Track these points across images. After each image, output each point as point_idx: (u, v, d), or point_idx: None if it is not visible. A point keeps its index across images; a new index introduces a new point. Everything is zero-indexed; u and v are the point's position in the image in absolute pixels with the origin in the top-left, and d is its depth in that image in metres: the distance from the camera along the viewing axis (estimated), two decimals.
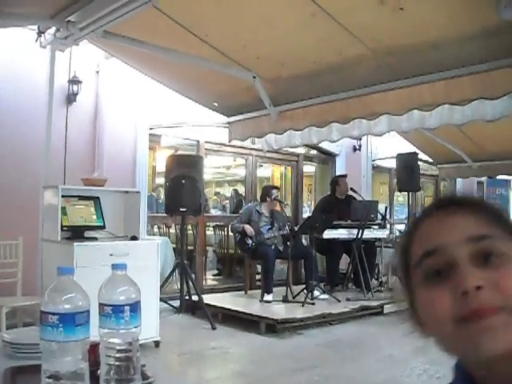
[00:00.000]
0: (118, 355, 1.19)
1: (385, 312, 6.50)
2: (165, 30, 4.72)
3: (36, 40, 4.79)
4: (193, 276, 6.23)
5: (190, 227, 7.73)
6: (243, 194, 10.71)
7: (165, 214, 6.44)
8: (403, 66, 4.72)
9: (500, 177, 10.81)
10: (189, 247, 7.26)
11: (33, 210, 5.04)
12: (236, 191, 12.03)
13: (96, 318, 1.21)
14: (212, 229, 9.19)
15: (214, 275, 9.15)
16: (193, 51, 5.05)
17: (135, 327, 1.22)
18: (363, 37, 4.44)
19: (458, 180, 12.23)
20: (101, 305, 1.20)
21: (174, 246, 7.75)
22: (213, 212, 11.41)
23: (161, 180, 9.86)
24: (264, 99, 5.81)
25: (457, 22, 4.05)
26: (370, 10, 4.03)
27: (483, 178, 12.00)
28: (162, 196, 9.78)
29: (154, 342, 4.82)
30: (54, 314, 1.10)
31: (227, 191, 13.70)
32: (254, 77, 5.46)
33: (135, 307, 1.21)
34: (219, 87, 6.00)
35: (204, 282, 7.92)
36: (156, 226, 8.58)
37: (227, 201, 12.42)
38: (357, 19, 4.22)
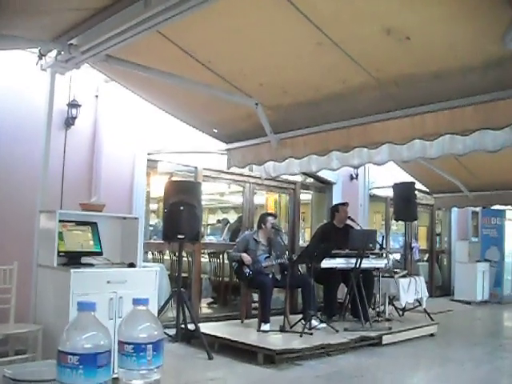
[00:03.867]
0: None
1: (383, 343, 6.41)
2: (167, 55, 4.70)
3: (37, 63, 4.75)
4: (189, 304, 6.10)
5: (184, 254, 7.62)
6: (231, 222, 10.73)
7: (159, 241, 6.34)
8: (406, 95, 4.71)
9: (495, 207, 10.81)
10: (183, 274, 7.14)
11: (28, 234, 4.93)
12: (225, 219, 11.95)
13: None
14: (207, 256, 9.08)
15: (209, 303, 9.01)
16: (195, 77, 5.02)
17: (157, 367, 1.14)
18: (368, 66, 4.43)
19: (453, 209, 12.25)
20: (121, 343, 1.12)
21: (169, 272, 7.64)
22: (207, 239, 11.29)
23: (154, 206, 9.79)
24: (265, 126, 5.78)
25: (460, 53, 4.05)
26: (376, 40, 4.02)
27: (478, 208, 12.03)
28: (155, 222, 9.71)
29: None
30: (73, 354, 1.02)
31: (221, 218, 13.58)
32: (257, 104, 5.43)
33: (158, 346, 1.14)
34: (219, 114, 5.98)
35: (199, 310, 7.78)
36: (150, 253, 8.48)
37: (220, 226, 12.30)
38: (362, 48, 4.21)
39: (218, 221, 12.95)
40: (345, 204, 7.90)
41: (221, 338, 5.95)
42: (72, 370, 1.02)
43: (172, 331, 6.09)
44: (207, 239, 11.32)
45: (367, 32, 3.98)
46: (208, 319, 7.33)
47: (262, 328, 6.33)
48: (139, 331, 1.13)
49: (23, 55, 5.30)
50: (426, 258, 12.52)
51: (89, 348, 1.03)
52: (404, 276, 7.71)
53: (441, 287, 12.63)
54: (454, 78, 4.30)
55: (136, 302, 1.17)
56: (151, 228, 9.27)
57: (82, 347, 1.03)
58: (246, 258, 6.67)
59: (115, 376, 1.15)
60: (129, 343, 1.11)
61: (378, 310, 7.59)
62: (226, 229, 10.84)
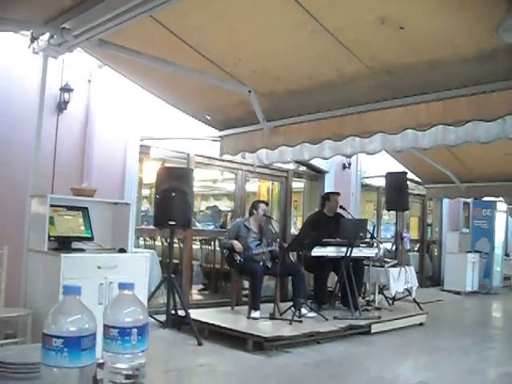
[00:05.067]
0: (124, 381, 1.11)
1: (372, 331, 6.45)
2: (161, 40, 4.67)
3: (29, 46, 4.71)
4: (180, 290, 6.12)
5: (175, 240, 7.62)
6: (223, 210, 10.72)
7: (151, 227, 6.34)
8: (400, 84, 4.71)
9: (486, 198, 10.86)
10: (175, 261, 7.15)
11: (18, 218, 4.93)
12: (216, 207, 11.97)
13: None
14: (198, 243, 9.09)
15: (200, 290, 9.02)
16: (188, 63, 4.99)
17: (142, 351, 1.14)
18: (361, 55, 4.42)
19: (445, 200, 12.30)
20: (106, 326, 1.12)
21: (160, 259, 7.64)
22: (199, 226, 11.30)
23: (146, 192, 9.78)
24: (258, 114, 5.76)
25: (455, 44, 4.04)
26: (370, 29, 4.01)
27: (469, 199, 12.08)
28: (146, 208, 9.70)
29: None
30: (58, 337, 1.02)
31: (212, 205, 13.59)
32: (250, 91, 5.41)
33: (143, 330, 1.14)
34: (212, 100, 5.96)
35: (190, 296, 7.80)
36: (141, 239, 8.48)
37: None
38: (356, 37, 4.19)
39: (207, 208, 12.96)
40: (336, 193, 7.91)
41: (211, 324, 5.98)
42: (56, 352, 1.02)
43: (162, 317, 6.12)
44: (199, 226, 11.31)
45: (361, 21, 3.97)
46: (198, 306, 7.35)
47: (251, 315, 6.35)
48: (124, 315, 1.13)
49: (15, 38, 5.25)
50: (416, 248, 12.59)
51: (73, 331, 1.03)
52: (394, 265, 7.75)
53: (431, 277, 12.71)
54: (448, 68, 4.30)
55: (122, 286, 1.17)
56: (143, 214, 9.27)
57: (66, 330, 1.03)
58: (237, 245, 6.68)
59: (101, 361, 1.15)
60: (114, 327, 1.11)
61: (367, 298, 7.65)
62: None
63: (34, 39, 4.67)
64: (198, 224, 11.37)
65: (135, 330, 1.12)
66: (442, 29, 3.90)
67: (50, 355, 1.02)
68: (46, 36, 4.56)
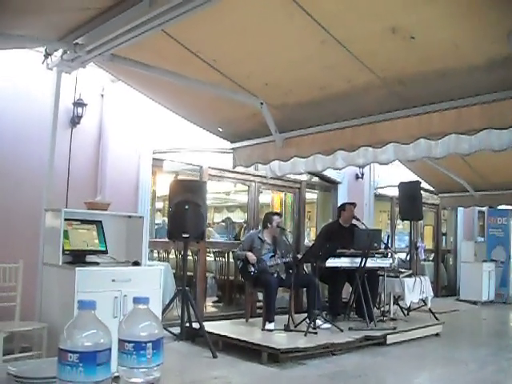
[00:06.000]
0: None
1: (388, 342, 6.40)
2: (172, 54, 4.71)
3: (43, 62, 4.78)
4: (194, 303, 6.12)
5: (189, 253, 7.63)
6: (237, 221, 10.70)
7: (165, 239, 6.35)
8: (412, 94, 4.71)
9: (501, 207, 10.77)
10: (188, 273, 7.16)
11: (33, 232, 4.96)
12: (229, 219, 11.99)
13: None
14: (212, 255, 9.10)
15: (214, 302, 9.02)
16: (200, 76, 5.03)
17: (157, 365, 1.14)
18: (372, 65, 4.42)
19: (459, 209, 12.23)
20: (121, 341, 1.13)
21: (174, 271, 7.65)
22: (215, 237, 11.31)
23: (160, 205, 9.82)
24: (270, 126, 5.78)
25: (465, 52, 4.04)
26: (381, 39, 4.02)
27: (484, 208, 11.99)
28: (161, 220, 9.73)
29: None
30: (73, 352, 1.02)
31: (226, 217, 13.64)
32: (262, 103, 5.43)
33: (158, 344, 1.14)
34: (225, 113, 5.99)
35: (204, 309, 7.80)
36: (155, 251, 8.49)
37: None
38: (367, 47, 4.20)
39: (223, 220, 13.00)
40: (352, 204, 7.88)
41: (225, 336, 5.96)
42: (72, 367, 1.02)
43: (177, 330, 6.11)
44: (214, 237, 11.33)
45: (372, 31, 3.98)
46: (213, 318, 7.33)
47: (266, 327, 6.33)
48: (139, 329, 1.14)
49: (29, 54, 5.32)
50: (431, 258, 12.50)
51: (88, 346, 1.04)
52: (409, 276, 7.70)
53: (446, 287, 12.60)
54: (459, 76, 4.30)
55: (136, 300, 1.18)
56: (157, 227, 9.30)
57: (81, 345, 1.04)
58: (251, 256, 6.67)
59: (116, 374, 1.16)
60: (129, 341, 1.12)
61: (382, 309, 7.59)
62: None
63: (47, 55, 4.74)
64: (215, 235, 11.41)
65: (150, 344, 1.13)
66: (451, 38, 3.90)
67: (65, 370, 1.03)
68: (60, 52, 4.62)
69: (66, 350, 1.03)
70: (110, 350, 1.08)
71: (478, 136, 4.74)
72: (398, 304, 7.82)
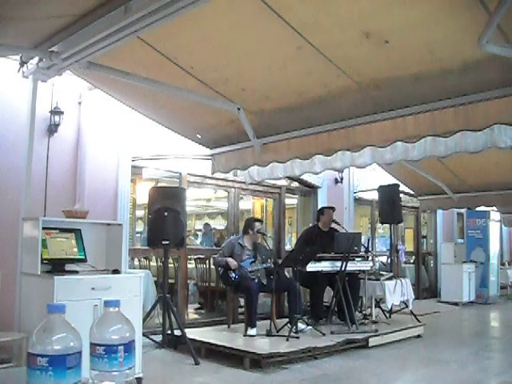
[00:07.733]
0: None
1: (370, 345, 6.43)
2: (150, 61, 4.70)
3: (18, 70, 4.75)
4: (175, 310, 6.10)
5: (170, 260, 7.60)
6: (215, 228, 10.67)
7: (145, 247, 6.33)
8: (387, 98, 4.75)
9: (480, 208, 10.89)
10: (170, 280, 7.13)
11: (11, 242, 4.91)
12: (208, 225, 11.97)
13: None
14: (193, 262, 9.07)
15: (196, 309, 9.00)
16: (177, 83, 5.03)
17: (129, 368, 1.15)
18: (348, 69, 4.46)
19: (439, 212, 12.35)
20: (92, 345, 1.13)
21: (155, 279, 7.62)
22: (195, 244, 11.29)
23: (141, 213, 9.78)
24: (248, 131, 5.79)
25: (439, 56, 4.09)
26: (356, 44, 4.06)
27: (463, 210, 12.12)
28: (141, 229, 9.69)
29: (137, 378, 4.65)
30: (42, 355, 1.02)
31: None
32: (239, 108, 5.45)
33: (129, 347, 1.14)
34: (203, 119, 5.99)
35: (186, 315, 7.77)
36: (136, 259, 8.45)
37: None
38: (342, 52, 4.24)
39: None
40: (331, 208, 7.93)
41: (207, 343, 5.94)
42: (41, 371, 1.02)
43: (158, 337, 6.09)
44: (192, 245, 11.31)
45: (347, 36, 4.02)
46: (195, 325, 7.31)
47: (248, 332, 6.33)
48: (110, 333, 1.14)
49: (4, 62, 5.29)
50: (412, 260, 12.58)
51: (58, 349, 1.04)
52: (390, 278, 7.75)
53: (427, 289, 12.69)
54: (433, 80, 4.35)
55: (107, 303, 1.18)
56: (138, 234, 9.26)
57: (51, 349, 1.04)
58: (232, 262, 6.67)
59: (89, 380, 1.16)
60: (100, 345, 1.12)
61: (364, 312, 7.63)
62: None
63: (23, 63, 4.72)
64: (195, 242, 11.38)
65: (121, 347, 1.13)
66: (425, 42, 3.94)
67: (35, 375, 1.03)
68: (36, 60, 4.59)
69: (35, 354, 1.03)
70: (80, 353, 1.08)
71: (454, 138, 4.80)
72: (379, 307, 7.86)
